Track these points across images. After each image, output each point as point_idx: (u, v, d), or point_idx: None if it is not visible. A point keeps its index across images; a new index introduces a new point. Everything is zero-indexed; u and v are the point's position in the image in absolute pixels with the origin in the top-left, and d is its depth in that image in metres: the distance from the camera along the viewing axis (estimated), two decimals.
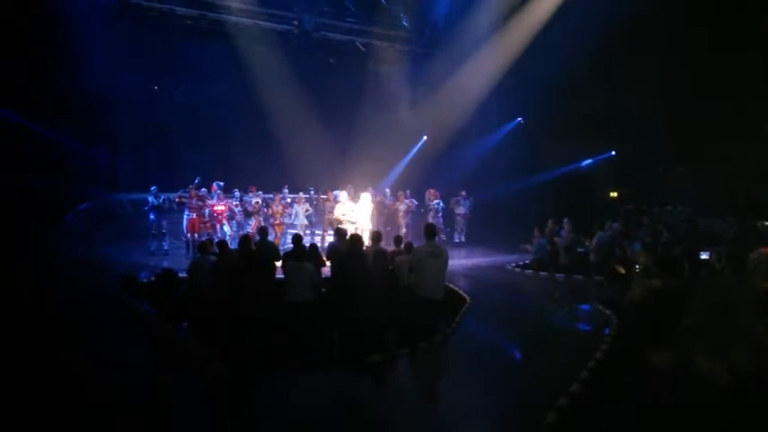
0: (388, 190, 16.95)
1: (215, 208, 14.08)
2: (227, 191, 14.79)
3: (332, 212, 13.88)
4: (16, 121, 14.67)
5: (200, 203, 13.79)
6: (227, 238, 13.37)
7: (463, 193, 16.97)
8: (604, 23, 14.58)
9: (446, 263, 7.19)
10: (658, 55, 15.93)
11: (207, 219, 13.98)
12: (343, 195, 14.06)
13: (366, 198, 14.11)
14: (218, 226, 14.00)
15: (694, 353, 4.79)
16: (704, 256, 7.34)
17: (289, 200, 15.12)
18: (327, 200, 15.29)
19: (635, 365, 5.87)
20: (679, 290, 5.77)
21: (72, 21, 14.36)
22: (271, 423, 4.93)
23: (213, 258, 8.79)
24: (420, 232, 8.18)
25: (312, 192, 15.94)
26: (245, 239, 9.09)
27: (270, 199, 15.05)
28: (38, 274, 10.88)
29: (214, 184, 14.54)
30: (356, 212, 13.42)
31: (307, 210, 14.97)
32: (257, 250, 9.18)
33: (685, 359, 4.82)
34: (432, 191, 16.72)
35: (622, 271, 7.91)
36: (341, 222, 12.60)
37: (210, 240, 10.89)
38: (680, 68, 15.74)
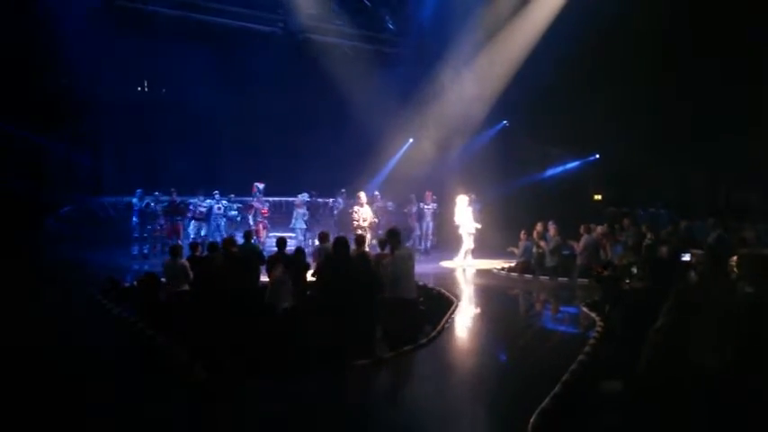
0: (377, 193, 16.74)
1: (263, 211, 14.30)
2: (209, 193, 14.66)
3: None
4: None
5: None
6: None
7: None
8: (587, 27, 14.70)
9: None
10: (641, 57, 16.07)
11: (252, 224, 14.07)
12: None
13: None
14: (261, 228, 14.14)
15: (669, 353, 4.79)
16: (686, 257, 7.40)
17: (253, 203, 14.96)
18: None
19: (619, 368, 5.89)
20: (665, 292, 5.79)
21: (55, 22, 14.19)
22: (253, 428, 4.88)
23: (184, 262, 8.82)
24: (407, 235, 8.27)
25: (307, 195, 15.66)
26: (228, 241, 9.15)
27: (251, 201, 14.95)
28: (18, 279, 10.72)
29: (255, 185, 14.46)
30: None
31: (305, 214, 14.82)
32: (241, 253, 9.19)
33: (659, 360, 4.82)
34: (429, 193, 16.56)
35: (604, 273, 7.95)
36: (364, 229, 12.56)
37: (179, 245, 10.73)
38: (663, 70, 15.90)
